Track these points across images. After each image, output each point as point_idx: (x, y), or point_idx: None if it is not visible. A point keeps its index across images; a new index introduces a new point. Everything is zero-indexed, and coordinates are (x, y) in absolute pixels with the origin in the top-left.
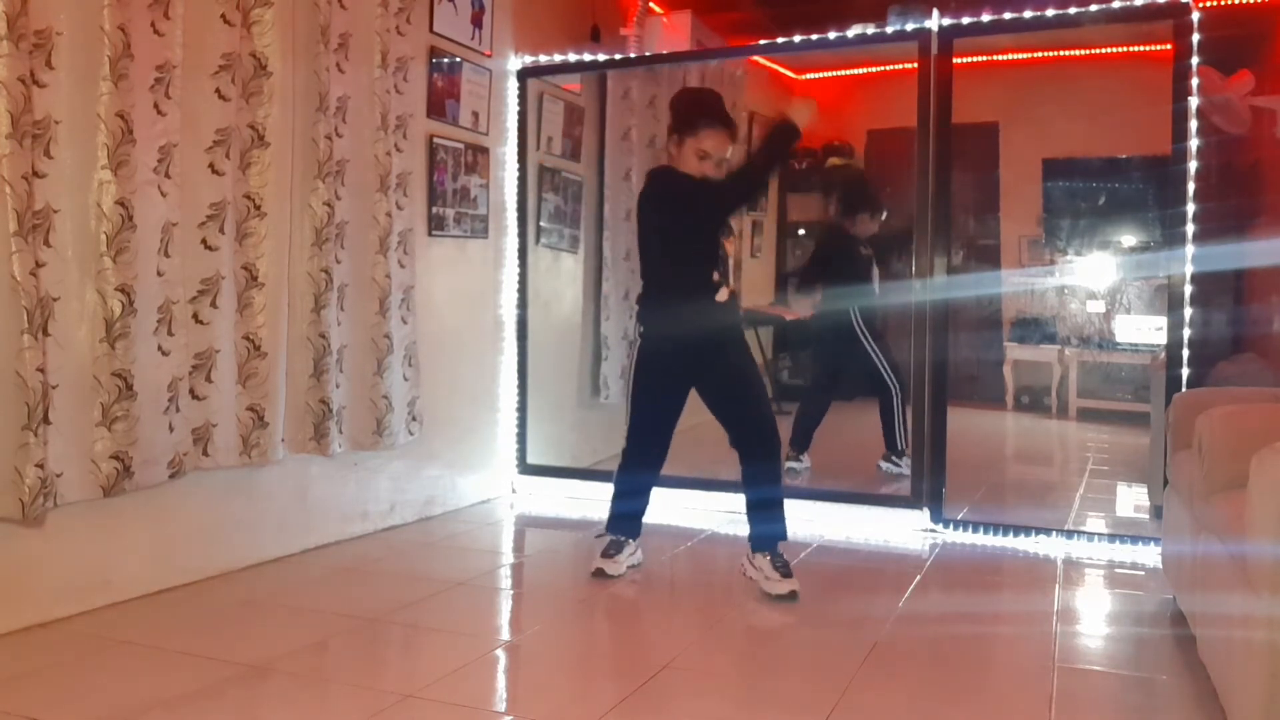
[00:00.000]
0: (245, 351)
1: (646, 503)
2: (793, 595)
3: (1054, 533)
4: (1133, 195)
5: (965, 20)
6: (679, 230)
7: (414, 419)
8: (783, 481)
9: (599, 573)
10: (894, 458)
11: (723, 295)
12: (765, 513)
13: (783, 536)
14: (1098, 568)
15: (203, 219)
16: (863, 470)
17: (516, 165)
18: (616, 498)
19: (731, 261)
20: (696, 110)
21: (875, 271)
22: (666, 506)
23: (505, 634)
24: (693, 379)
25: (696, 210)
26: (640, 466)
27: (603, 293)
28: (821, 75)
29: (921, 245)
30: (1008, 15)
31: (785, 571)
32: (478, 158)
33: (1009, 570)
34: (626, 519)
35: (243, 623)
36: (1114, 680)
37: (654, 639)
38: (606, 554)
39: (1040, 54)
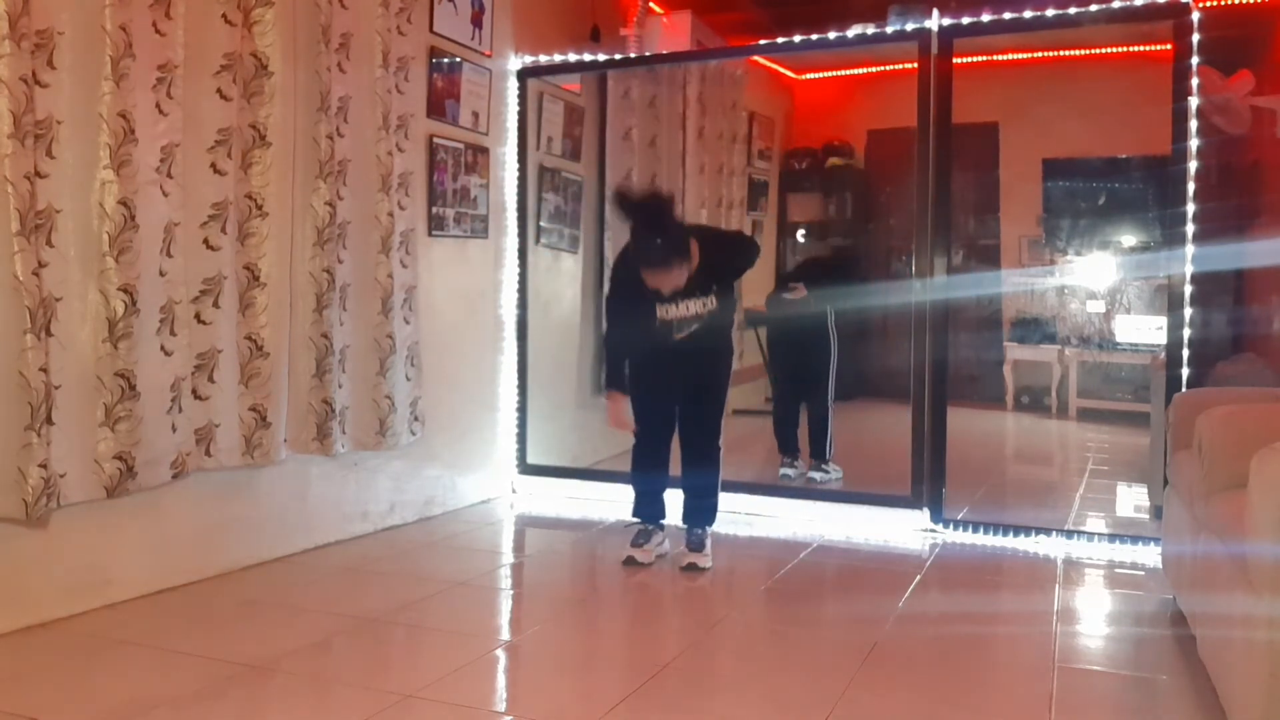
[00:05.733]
0: (248, 352)
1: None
2: (629, 561)
3: (1054, 533)
4: (1133, 195)
5: (965, 20)
6: None
7: (416, 419)
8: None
9: (629, 560)
10: (825, 466)
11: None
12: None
13: (687, 518)
14: (1098, 568)
15: (205, 219)
16: (862, 470)
17: (516, 165)
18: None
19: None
20: (629, 252)
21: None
22: (668, 506)
23: (505, 634)
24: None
25: None
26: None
27: (603, 293)
28: (821, 75)
29: (921, 245)
30: (1008, 15)
31: (634, 541)
32: (478, 158)
33: (1009, 570)
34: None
35: (243, 623)
36: (1114, 680)
37: (654, 639)
38: (635, 542)
39: (1040, 54)
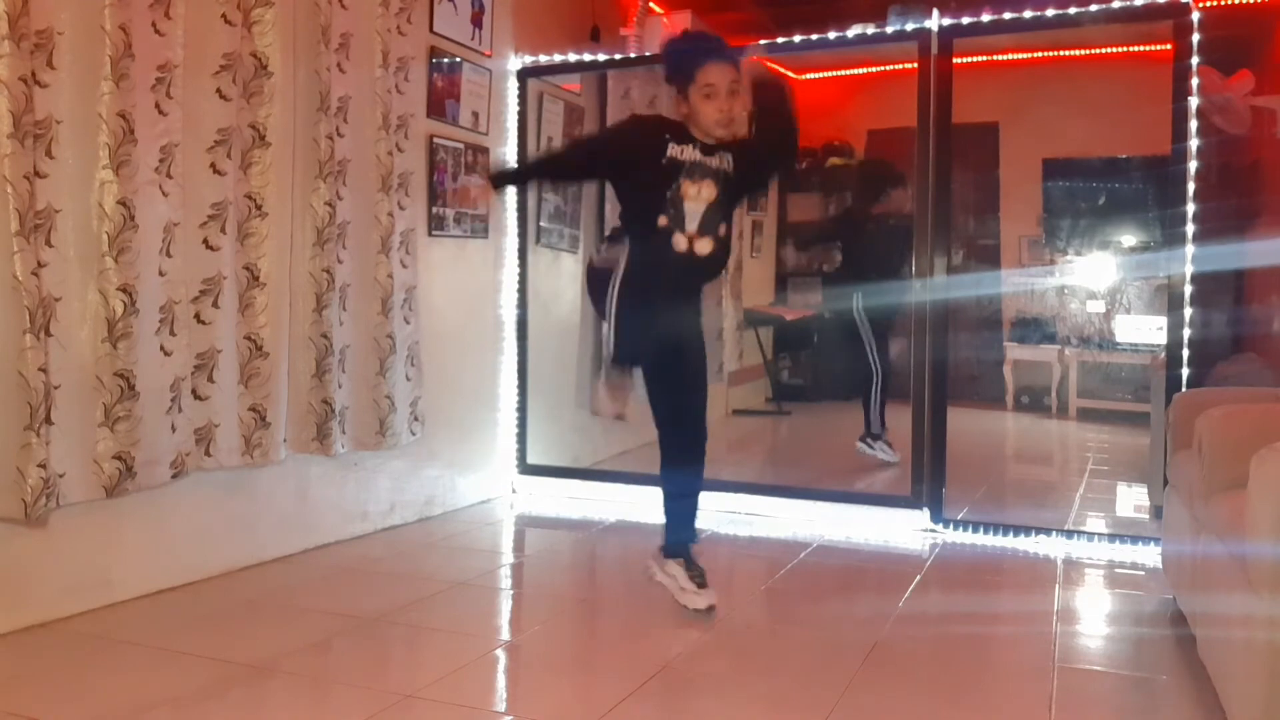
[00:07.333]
0: (247, 352)
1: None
2: (711, 610)
3: (1054, 533)
4: (1133, 195)
5: (965, 20)
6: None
7: (416, 419)
8: (701, 480)
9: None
10: (869, 439)
11: (679, 243)
12: (681, 511)
13: (693, 539)
14: (1098, 568)
15: (204, 219)
16: (863, 470)
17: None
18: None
19: (695, 206)
20: (688, 51)
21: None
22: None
23: (505, 634)
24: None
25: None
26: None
27: None
28: (821, 75)
29: (921, 245)
30: (1008, 15)
31: (701, 581)
32: (478, 158)
33: (1009, 570)
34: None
35: (243, 623)
36: (1114, 680)
37: (654, 639)
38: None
39: (1040, 54)
